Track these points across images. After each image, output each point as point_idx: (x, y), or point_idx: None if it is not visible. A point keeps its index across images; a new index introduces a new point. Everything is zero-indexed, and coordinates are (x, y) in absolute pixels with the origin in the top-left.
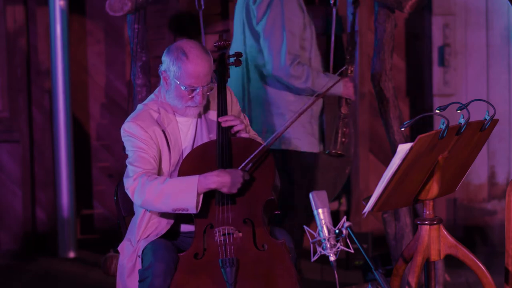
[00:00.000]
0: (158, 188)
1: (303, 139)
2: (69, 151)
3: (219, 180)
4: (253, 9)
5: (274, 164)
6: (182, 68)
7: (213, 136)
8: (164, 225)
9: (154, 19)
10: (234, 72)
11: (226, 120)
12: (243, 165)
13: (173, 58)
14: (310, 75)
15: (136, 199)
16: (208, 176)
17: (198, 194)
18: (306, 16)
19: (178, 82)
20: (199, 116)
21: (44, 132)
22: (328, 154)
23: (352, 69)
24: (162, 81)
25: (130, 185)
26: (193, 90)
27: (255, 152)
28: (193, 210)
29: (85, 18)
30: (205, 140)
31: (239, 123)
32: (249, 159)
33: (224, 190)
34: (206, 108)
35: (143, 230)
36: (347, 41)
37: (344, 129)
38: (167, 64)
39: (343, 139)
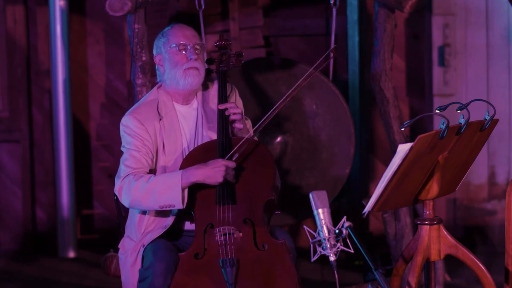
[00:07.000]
0: (143, 187)
1: None
2: (69, 151)
3: (199, 172)
4: None
5: (274, 164)
6: (169, 34)
7: (213, 127)
8: (169, 217)
9: (154, 19)
10: None
11: (226, 107)
12: (228, 155)
13: (160, 35)
14: None
15: (124, 200)
16: (189, 170)
17: (182, 189)
18: None
19: (169, 48)
20: (199, 93)
21: (44, 132)
22: None
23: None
24: (158, 68)
25: (118, 186)
26: (185, 49)
27: (240, 143)
28: (179, 206)
29: (85, 18)
30: (205, 131)
31: (239, 111)
32: (234, 149)
33: (209, 181)
34: (206, 101)
35: (146, 224)
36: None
37: None
38: (157, 45)
39: None
